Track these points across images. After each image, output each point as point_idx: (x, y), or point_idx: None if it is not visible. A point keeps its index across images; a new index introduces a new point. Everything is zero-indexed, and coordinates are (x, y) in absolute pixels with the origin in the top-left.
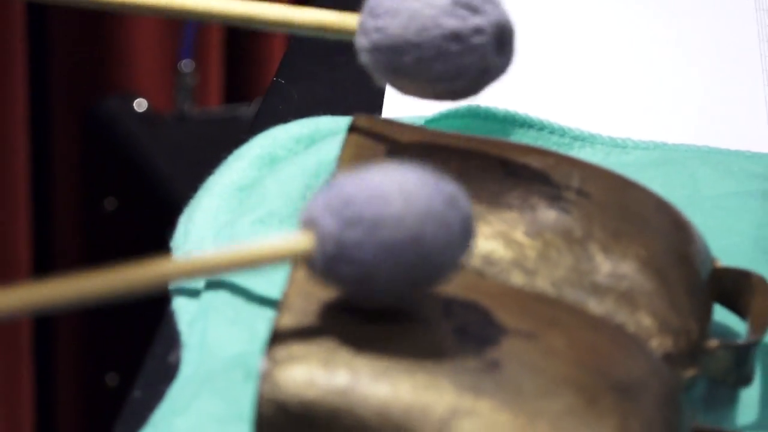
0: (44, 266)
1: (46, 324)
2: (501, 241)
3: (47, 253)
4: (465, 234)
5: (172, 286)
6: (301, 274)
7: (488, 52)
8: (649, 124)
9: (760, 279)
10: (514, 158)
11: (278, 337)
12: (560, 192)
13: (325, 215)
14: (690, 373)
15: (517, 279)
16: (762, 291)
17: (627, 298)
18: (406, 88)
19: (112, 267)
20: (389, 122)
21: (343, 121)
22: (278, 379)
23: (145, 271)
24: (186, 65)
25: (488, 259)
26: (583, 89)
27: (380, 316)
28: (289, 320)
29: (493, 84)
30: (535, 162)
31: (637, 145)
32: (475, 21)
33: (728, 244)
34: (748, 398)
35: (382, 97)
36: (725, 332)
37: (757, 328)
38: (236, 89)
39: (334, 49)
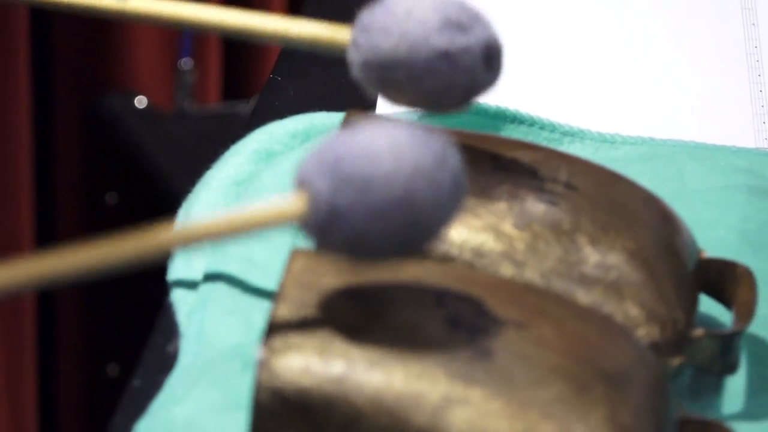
0: None
1: (49, 316)
2: (491, 234)
3: (50, 246)
4: (455, 191)
5: (172, 253)
6: (298, 265)
7: (477, 70)
8: (638, 120)
9: (745, 270)
10: (504, 153)
11: (275, 327)
12: (549, 185)
13: (316, 177)
14: (676, 361)
15: (507, 270)
16: (747, 281)
17: (615, 288)
18: (396, 101)
19: (114, 237)
20: (382, 117)
21: (337, 117)
22: (275, 367)
23: (146, 239)
24: (185, 63)
25: (478, 252)
26: (572, 86)
27: (374, 306)
28: (285, 310)
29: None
30: (524, 156)
31: (626, 141)
32: (464, 40)
33: (714, 237)
34: (734, 386)
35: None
36: (711, 322)
37: (741, 318)
38: (234, 87)
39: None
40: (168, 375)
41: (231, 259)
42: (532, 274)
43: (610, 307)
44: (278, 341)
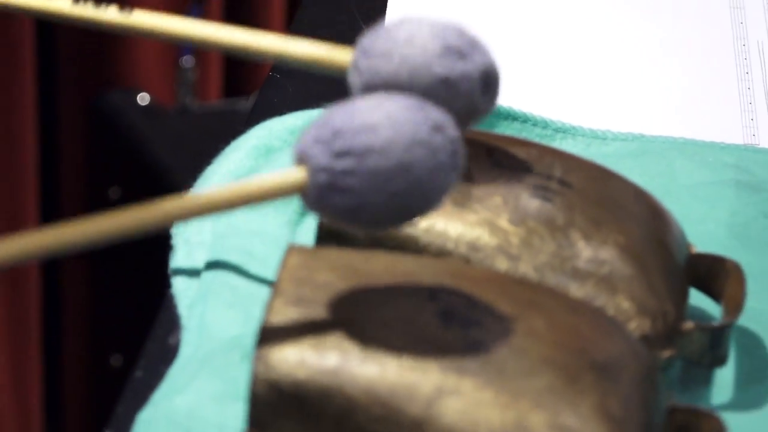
0: None
1: (54, 308)
2: (486, 228)
3: None
4: (453, 160)
5: (174, 224)
6: (293, 260)
7: (475, 95)
8: (628, 117)
9: (734, 264)
10: (499, 149)
11: (271, 321)
12: (543, 182)
13: (315, 148)
14: (667, 354)
15: (502, 264)
16: (735, 276)
17: (607, 282)
18: None
19: (119, 209)
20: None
21: None
22: (271, 359)
23: (150, 210)
24: (187, 61)
25: (474, 246)
26: (565, 83)
27: (368, 300)
28: (281, 305)
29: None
30: (519, 153)
31: (617, 137)
32: (463, 67)
33: (703, 231)
34: (723, 378)
35: None
36: (701, 315)
37: (730, 311)
38: (234, 84)
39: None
40: (169, 366)
41: (231, 252)
42: (526, 268)
43: (602, 300)
44: (274, 335)
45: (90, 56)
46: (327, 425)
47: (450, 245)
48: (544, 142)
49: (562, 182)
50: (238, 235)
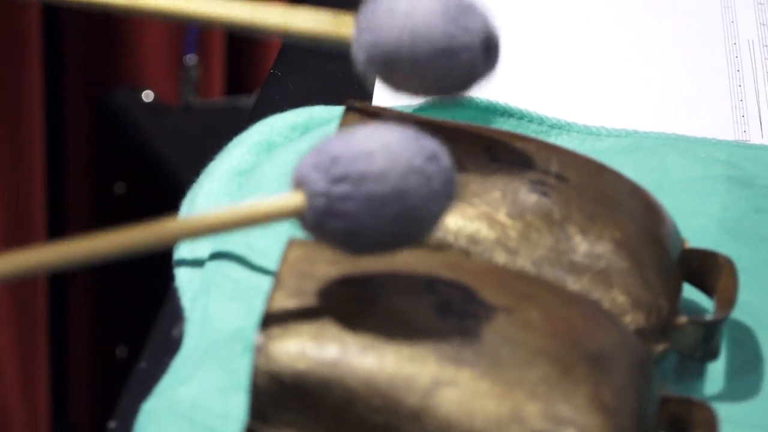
0: None
1: (61, 301)
2: (485, 222)
3: (61, 233)
4: (446, 188)
5: (175, 245)
6: (294, 254)
7: (476, 59)
8: (622, 114)
9: (726, 260)
10: (498, 144)
11: (272, 314)
12: (540, 176)
13: (313, 174)
14: (661, 347)
15: (500, 258)
16: (727, 271)
17: (602, 276)
18: (398, 90)
19: (122, 228)
20: (382, 108)
21: (335, 110)
22: (272, 351)
23: (153, 230)
24: (190, 59)
25: (473, 239)
26: (560, 81)
27: (367, 293)
28: (282, 297)
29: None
30: (517, 148)
31: (611, 133)
32: (465, 37)
33: (695, 225)
34: (715, 371)
35: (372, 88)
36: (694, 309)
37: (723, 306)
38: (237, 81)
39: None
40: (173, 357)
41: (233, 246)
42: (524, 262)
43: (598, 294)
44: (275, 327)
45: (96, 55)
46: (327, 415)
47: (450, 238)
48: (540, 137)
49: (559, 177)
50: (238, 233)
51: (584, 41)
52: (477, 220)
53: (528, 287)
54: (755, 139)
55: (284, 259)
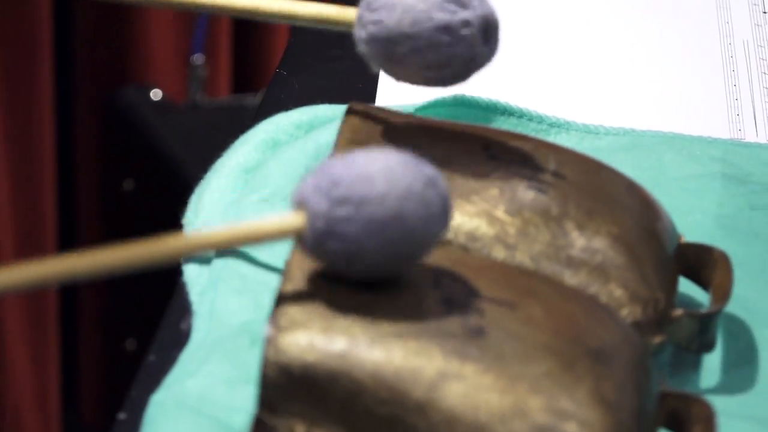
0: (69, 241)
1: (71, 295)
2: (484, 219)
3: (71, 229)
4: (443, 212)
5: (179, 260)
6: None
7: (476, 42)
8: (620, 112)
9: (721, 254)
10: (496, 143)
11: (281, 306)
12: (538, 174)
13: (314, 196)
14: (657, 339)
15: (499, 253)
16: (723, 265)
17: (600, 270)
18: (399, 75)
19: (129, 242)
20: (382, 109)
21: (339, 109)
22: (281, 343)
23: (157, 246)
24: (197, 58)
25: (472, 236)
26: (559, 80)
27: (375, 287)
28: (291, 290)
29: (480, 72)
30: (515, 146)
31: (609, 132)
32: (464, 15)
33: (691, 221)
34: (711, 363)
35: (376, 87)
36: (689, 303)
37: (718, 299)
38: (243, 80)
39: (332, 43)
40: (181, 350)
41: None
42: (522, 257)
43: (595, 288)
44: (284, 319)
45: (105, 54)
46: (334, 407)
47: (450, 234)
48: (539, 136)
49: (557, 174)
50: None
51: (582, 41)
52: (476, 217)
53: (529, 283)
54: (750, 137)
55: (293, 252)
